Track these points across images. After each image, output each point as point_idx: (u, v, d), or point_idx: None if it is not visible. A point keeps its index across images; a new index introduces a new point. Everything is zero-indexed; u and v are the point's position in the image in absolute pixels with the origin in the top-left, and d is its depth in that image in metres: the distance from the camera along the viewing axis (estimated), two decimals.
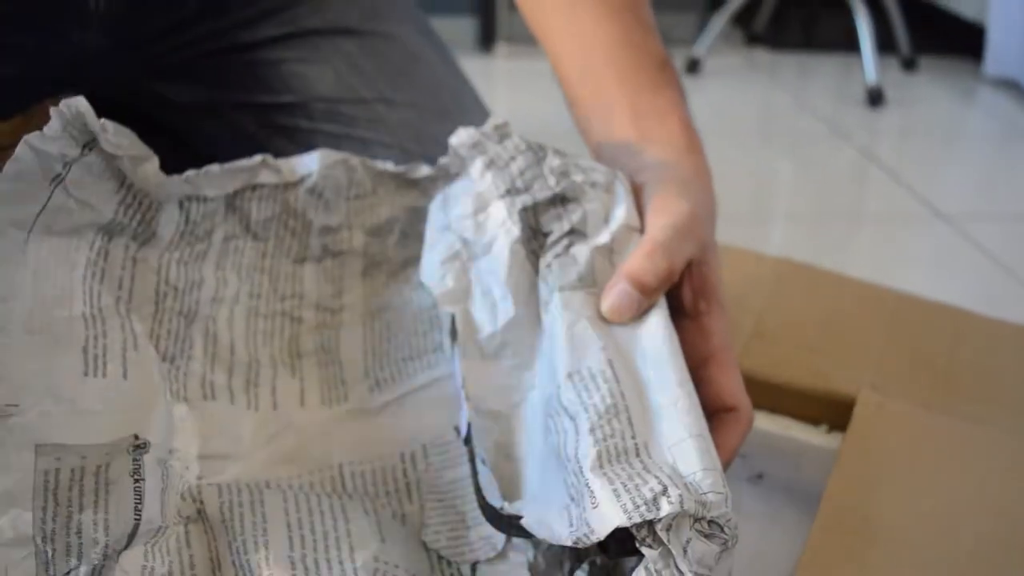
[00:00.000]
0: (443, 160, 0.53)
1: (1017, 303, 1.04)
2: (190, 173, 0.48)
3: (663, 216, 0.44)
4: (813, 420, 0.61)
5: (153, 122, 0.69)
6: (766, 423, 0.60)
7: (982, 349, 0.65)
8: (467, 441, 0.45)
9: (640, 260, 0.42)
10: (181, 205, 0.48)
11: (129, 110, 0.70)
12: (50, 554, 0.37)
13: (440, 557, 0.45)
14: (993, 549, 0.46)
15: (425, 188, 0.54)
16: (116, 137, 0.44)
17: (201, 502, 0.44)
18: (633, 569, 0.35)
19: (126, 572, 0.38)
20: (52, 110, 0.43)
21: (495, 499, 0.41)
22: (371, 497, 0.47)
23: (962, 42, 2.22)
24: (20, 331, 0.40)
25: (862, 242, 1.27)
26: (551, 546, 0.44)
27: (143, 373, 0.43)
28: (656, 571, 0.34)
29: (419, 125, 0.66)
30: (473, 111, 0.70)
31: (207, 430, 0.47)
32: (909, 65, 2.11)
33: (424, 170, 0.54)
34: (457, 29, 2.10)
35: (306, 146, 0.65)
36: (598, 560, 0.43)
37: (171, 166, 0.51)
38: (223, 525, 0.43)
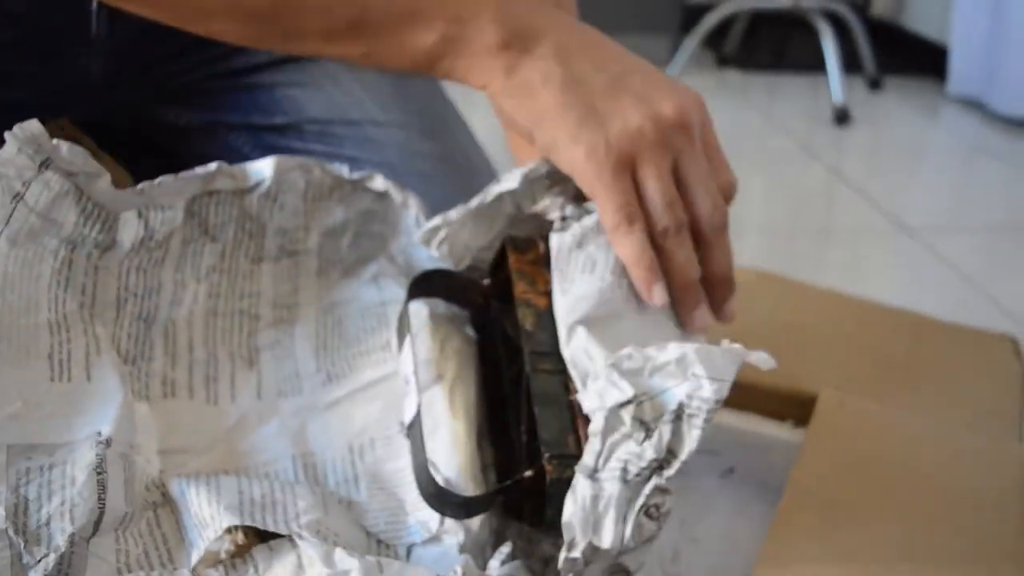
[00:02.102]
0: None
1: (976, 310, 1.08)
2: (144, 185, 0.50)
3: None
4: (779, 417, 0.65)
5: (152, 143, 0.72)
6: (736, 420, 0.64)
7: (940, 351, 0.69)
8: (409, 433, 0.49)
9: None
10: (140, 214, 0.51)
11: (129, 131, 0.73)
12: (22, 545, 0.40)
13: (379, 541, 0.48)
14: (940, 526, 0.50)
15: (379, 195, 0.58)
16: (70, 155, 0.47)
17: (165, 490, 0.46)
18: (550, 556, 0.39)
19: (101, 558, 0.41)
20: (7, 134, 0.46)
21: (438, 475, 0.45)
22: (320, 486, 0.50)
23: (925, 62, 2.28)
24: None
25: (831, 255, 1.31)
26: (480, 528, 0.47)
27: (105, 375, 0.46)
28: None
29: (406, 144, 0.69)
30: (456, 130, 0.74)
31: (167, 427, 0.50)
32: (875, 85, 2.16)
33: (382, 183, 0.57)
34: None
35: None
36: (518, 542, 0.46)
37: None
38: (184, 500, 0.45)
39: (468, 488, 0.47)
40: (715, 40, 2.34)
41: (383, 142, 0.69)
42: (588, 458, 0.39)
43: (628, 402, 0.39)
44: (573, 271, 0.49)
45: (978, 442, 0.58)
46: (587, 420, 0.41)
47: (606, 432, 0.39)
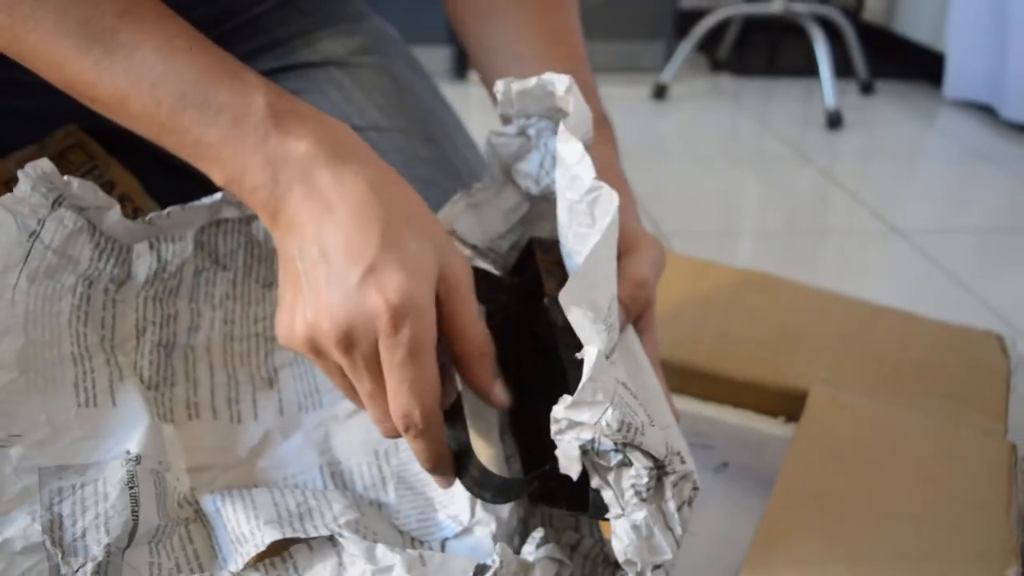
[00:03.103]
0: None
1: (965, 309, 1.09)
2: (153, 215, 0.52)
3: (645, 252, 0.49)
4: (772, 412, 0.67)
5: (160, 149, 0.74)
6: (730, 416, 0.66)
7: (927, 348, 0.71)
8: (446, 422, 0.50)
9: (632, 289, 0.48)
10: (151, 245, 0.53)
11: (137, 138, 0.75)
12: (59, 556, 0.42)
13: (413, 539, 0.50)
14: (926, 517, 0.52)
15: None
16: (80, 191, 0.49)
17: (197, 506, 0.48)
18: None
19: (135, 569, 0.43)
20: (20, 173, 0.47)
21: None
22: (350, 491, 0.51)
23: (917, 66, 2.30)
24: (15, 370, 0.45)
25: (824, 257, 1.33)
26: (510, 517, 0.49)
27: (130, 400, 0.49)
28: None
29: (408, 149, 0.71)
30: (456, 137, 0.76)
31: (194, 446, 0.52)
32: (867, 89, 2.18)
33: None
34: (434, 58, 2.17)
35: None
36: (547, 529, 0.48)
37: (173, 192, 0.55)
38: (218, 517, 0.47)
39: None
40: (709, 45, 2.36)
41: (385, 147, 0.71)
42: (612, 504, 0.40)
43: (591, 450, 0.39)
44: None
45: (965, 435, 0.59)
46: None
47: (605, 477, 0.40)
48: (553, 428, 0.40)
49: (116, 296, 0.51)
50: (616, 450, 0.39)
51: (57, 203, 0.48)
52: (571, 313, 0.40)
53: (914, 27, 2.34)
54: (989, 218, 1.46)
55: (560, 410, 0.39)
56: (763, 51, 2.45)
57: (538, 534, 0.44)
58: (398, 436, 0.45)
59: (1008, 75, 1.82)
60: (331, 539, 0.45)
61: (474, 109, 1.92)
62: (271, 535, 0.45)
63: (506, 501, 0.46)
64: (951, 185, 1.65)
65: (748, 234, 1.41)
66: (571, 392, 0.41)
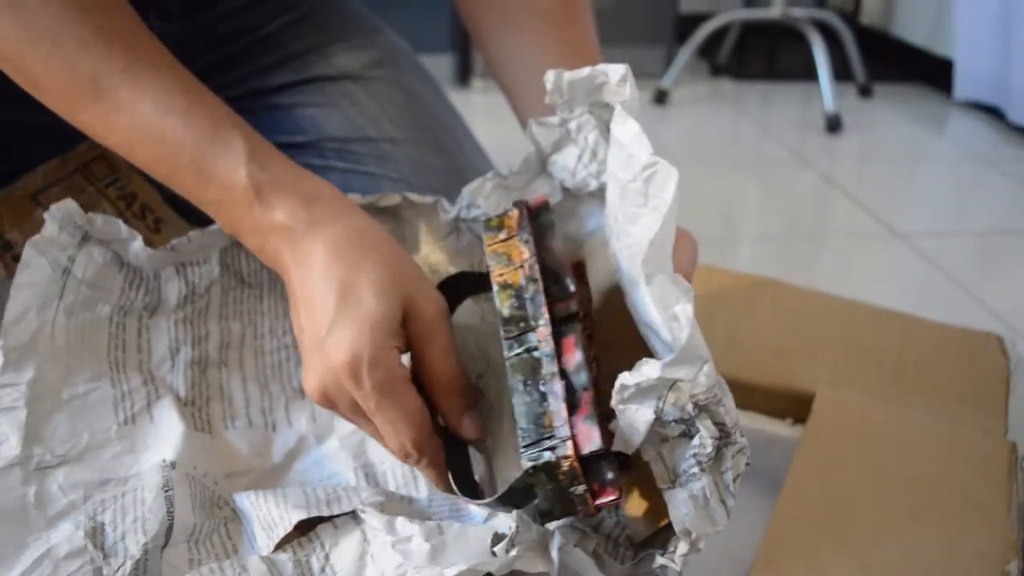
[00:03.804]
0: None
1: (964, 311, 1.11)
2: (175, 241, 0.54)
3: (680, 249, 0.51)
4: (779, 414, 0.68)
5: None
6: (738, 418, 0.67)
7: (928, 349, 0.73)
8: None
9: None
10: (178, 271, 0.55)
11: None
12: (101, 558, 0.44)
13: (439, 524, 0.52)
14: (929, 514, 0.53)
15: (395, 213, 0.61)
16: (104, 226, 0.52)
17: (234, 505, 0.50)
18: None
19: (175, 567, 0.45)
20: (45, 214, 0.51)
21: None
22: (383, 490, 0.53)
23: (915, 69, 2.31)
24: (58, 398, 0.49)
25: (825, 260, 1.34)
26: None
27: (167, 415, 0.51)
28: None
29: (420, 160, 0.73)
30: (467, 147, 0.78)
31: (231, 453, 0.54)
32: (865, 92, 2.19)
33: (394, 198, 0.60)
34: (437, 65, 2.18)
35: None
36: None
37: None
38: (249, 511, 0.49)
39: None
40: (709, 50, 2.37)
41: (398, 159, 0.73)
42: (662, 474, 0.42)
43: (656, 418, 0.40)
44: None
45: (966, 435, 0.61)
46: (570, 393, 0.43)
47: (659, 448, 0.41)
48: (616, 397, 0.40)
49: (149, 322, 0.54)
50: (679, 420, 0.40)
51: (84, 240, 0.51)
52: (653, 283, 0.41)
53: (912, 30, 2.36)
54: (989, 221, 1.48)
55: (633, 375, 0.40)
56: (762, 56, 2.46)
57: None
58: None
59: (1014, 78, 1.83)
60: (354, 517, 0.47)
61: (477, 116, 1.93)
62: (297, 515, 0.46)
63: (511, 510, 0.46)
64: (951, 188, 1.66)
65: (749, 238, 1.42)
66: (512, 394, 0.43)
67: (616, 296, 0.53)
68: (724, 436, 0.41)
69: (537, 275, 0.47)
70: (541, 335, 0.45)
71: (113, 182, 0.73)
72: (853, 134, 1.92)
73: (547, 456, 0.41)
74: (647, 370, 0.39)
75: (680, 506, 0.41)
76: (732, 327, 0.74)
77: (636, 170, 0.43)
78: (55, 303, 0.50)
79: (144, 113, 0.50)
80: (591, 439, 0.41)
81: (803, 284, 0.82)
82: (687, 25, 2.30)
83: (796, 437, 0.63)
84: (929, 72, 2.24)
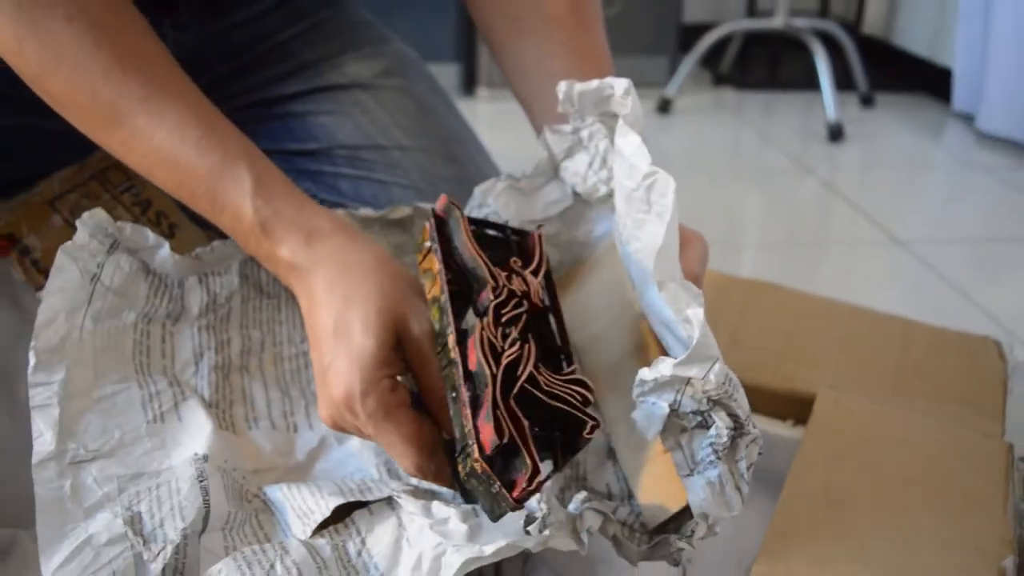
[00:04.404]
0: None
1: (964, 317, 1.12)
2: (199, 251, 0.57)
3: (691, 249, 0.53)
4: (780, 416, 0.69)
5: None
6: None
7: (927, 353, 0.74)
8: None
9: None
10: (200, 280, 0.57)
11: None
12: (141, 544, 0.45)
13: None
14: (927, 514, 0.54)
15: (405, 225, 0.63)
16: (133, 234, 0.54)
17: (265, 496, 0.52)
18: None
19: (212, 552, 0.46)
20: (77, 222, 0.53)
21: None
22: (408, 483, 0.55)
23: (915, 78, 2.33)
24: (88, 397, 0.50)
25: (826, 266, 1.36)
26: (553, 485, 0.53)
27: (194, 415, 0.53)
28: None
29: (430, 167, 0.74)
30: (475, 154, 0.79)
31: (255, 451, 0.55)
32: (866, 101, 2.21)
33: (404, 210, 0.62)
34: (442, 75, 2.20)
35: (330, 188, 0.73)
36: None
37: None
38: (283, 503, 0.50)
39: None
40: (712, 60, 2.38)
41: (408, 166, 0.74)
42: (681, 463, 0.44)
43: (673, 411, 0.43)
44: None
45: (964, 436, 0.62)
46: (474, 401, 0.45)
47: (678, 438, 0.44)
48: (636, 391, 0.44)
49: (172, 329, 0.56)
50: (696, 412, 0.43)
51: (113, 248, 0.53)
52: (665, 289, 0.44)
53: (912, 40, 2.37)
54: (989, 228, 1.49)
55: (651, 371, 0.43)
56: (765, 65, 2.48)
57: (580, 495, 0.48)
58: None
59: (988, 87, 1.85)
60: (390, 504, 0.48)
61: (481, 124, 1.94)
62: (334, 502, 0.48)
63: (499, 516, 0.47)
64: (950, 195, 1.67)
65: (751, 245, 1.43)
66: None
67: (622, 296, 0.55)
68: (738, 427, 0.43)
69: (445, 284, 0.49)
70: (451, 343, 0.47)
71: (128, 188, 0.74)
72: (854, 143, 1.93)
73: (468, 463, 0.44)
74: (662, 368, 0.42)
75: (698, 492, 0.44)
76: (735, 330, 0.75)
77: (638, 179, 0.47)
78: (83, 309, 0.51)
79: (160, 141, 0.52)
80: (491, 437, 0.43)
81: (804, 289, 0.83)
82: (690, 35, 2.32)
83: (797, 438, 0.64)
84: (930, 82, 2.25)
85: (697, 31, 2.29)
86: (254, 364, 0.59)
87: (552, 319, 0.52)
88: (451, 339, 0.47)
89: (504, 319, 0.47)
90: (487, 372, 0.45)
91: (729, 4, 2.69)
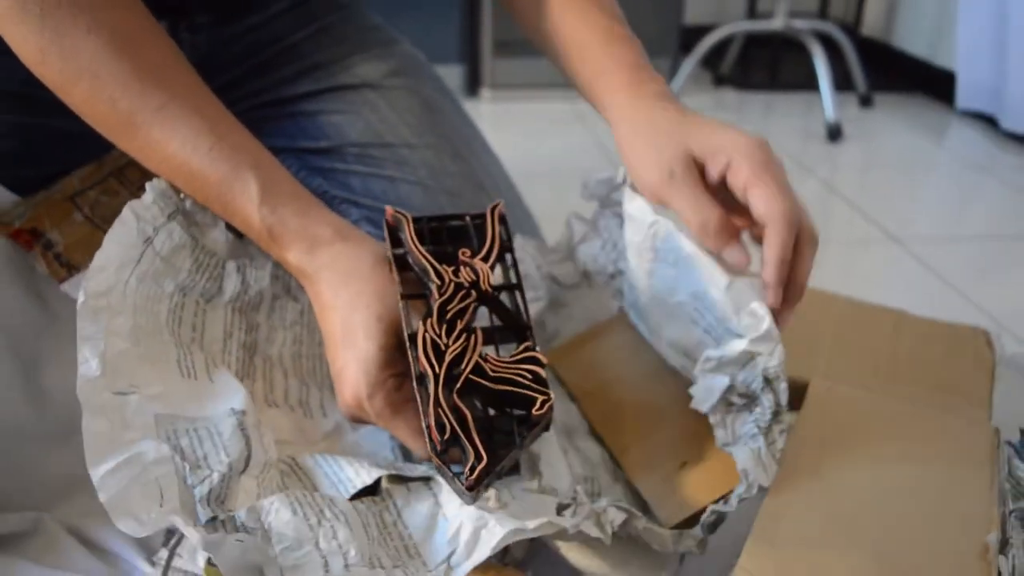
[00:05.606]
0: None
1: (960, 313, 1.13)
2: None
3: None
4: None
5: None
6: None
7: (917, 342, 0.76)
8: None
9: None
10: (239, 269, 0.60)
11: None
12: (187, 468, 0.46)
13: None
14: (916, 495, 0.56)
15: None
16: (192, 207, 0.57)
17: (293, 462, 0.54)
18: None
19: (247, 491, 0.48)
20: (147, 184, 0.55)
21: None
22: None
23: (914, 79, 2.34)
24: (128, 341, 0.51)
25: (825, 264, 1.36)
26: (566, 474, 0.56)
27: (225, 380, 0.54)
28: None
29: (437, 164, 0.77)
30: (481, 152, 0.82)
31: (278, 425, 0.58)
32: (865, 102, 2.22)
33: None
34: (447, 76, 2.22)
35: (341, 185, 0.76)
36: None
37: None
38: (317, 467, 0.53)
39: None
40: (712, 61, 2.40)
41: (415, 163, 0.76)
42: (723, 437, 0.53)
43: (731, 387, 0.51)
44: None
45: (953, 422, 0.64)
46: (425, 401, 0.47)
47: (724, 415, 0.52)
48: (700, 367, 0.53)
49: (206, 307, 0.58)
50: (745, 394, 0.52)
51: (171, 217, 0.55)
52: (732, 288, 0.54)
53: (911, 41, 2.39)
54: (987, 227, 1.50)
55: (718, 351, 0.52)
56: (765, 66, 2.49)
57: (604, 500, 0.51)
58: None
59: (1008, 87, 1.86)
60: (426, 483, 0.50)
61: (485, 124, 1.95)
62: (376, 472, 0.50)
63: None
64: (949, 195, 1.68)
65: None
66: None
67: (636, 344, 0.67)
68: (777, 413, 0.50)
69: (399, 290, 0.53)
70: (408, 347, 0.50)
71: (144, 185, 0.76)
72: (853, 143, 1.94)
73: (432, 460, 0.47)
74: (734, 344, 0.52)
75: (741, 454, 0.51)
76: None
77: (644, 231, 0.57)
78: (132, 267, 0.53)
79: (174, 151, 0.55)
80: (435, 434, 0.45)
81: None
82: (691, 36, 2.34)
83: (790, 423, 0.66)
84: (929, 82, 2.26)
85: (698, 32, 2.30)
86: (275, 354, 0.61)
87: (518, 295, 0.54)
88: (408, 343, 0.50)
89: (449, 315, 0.50)
90: (430, 373, 0.47)
91: (730, 6, 2.70)
